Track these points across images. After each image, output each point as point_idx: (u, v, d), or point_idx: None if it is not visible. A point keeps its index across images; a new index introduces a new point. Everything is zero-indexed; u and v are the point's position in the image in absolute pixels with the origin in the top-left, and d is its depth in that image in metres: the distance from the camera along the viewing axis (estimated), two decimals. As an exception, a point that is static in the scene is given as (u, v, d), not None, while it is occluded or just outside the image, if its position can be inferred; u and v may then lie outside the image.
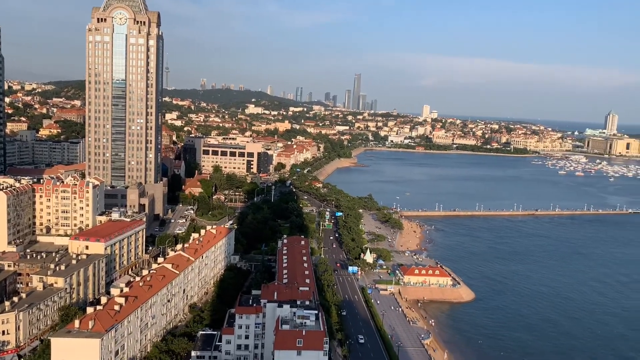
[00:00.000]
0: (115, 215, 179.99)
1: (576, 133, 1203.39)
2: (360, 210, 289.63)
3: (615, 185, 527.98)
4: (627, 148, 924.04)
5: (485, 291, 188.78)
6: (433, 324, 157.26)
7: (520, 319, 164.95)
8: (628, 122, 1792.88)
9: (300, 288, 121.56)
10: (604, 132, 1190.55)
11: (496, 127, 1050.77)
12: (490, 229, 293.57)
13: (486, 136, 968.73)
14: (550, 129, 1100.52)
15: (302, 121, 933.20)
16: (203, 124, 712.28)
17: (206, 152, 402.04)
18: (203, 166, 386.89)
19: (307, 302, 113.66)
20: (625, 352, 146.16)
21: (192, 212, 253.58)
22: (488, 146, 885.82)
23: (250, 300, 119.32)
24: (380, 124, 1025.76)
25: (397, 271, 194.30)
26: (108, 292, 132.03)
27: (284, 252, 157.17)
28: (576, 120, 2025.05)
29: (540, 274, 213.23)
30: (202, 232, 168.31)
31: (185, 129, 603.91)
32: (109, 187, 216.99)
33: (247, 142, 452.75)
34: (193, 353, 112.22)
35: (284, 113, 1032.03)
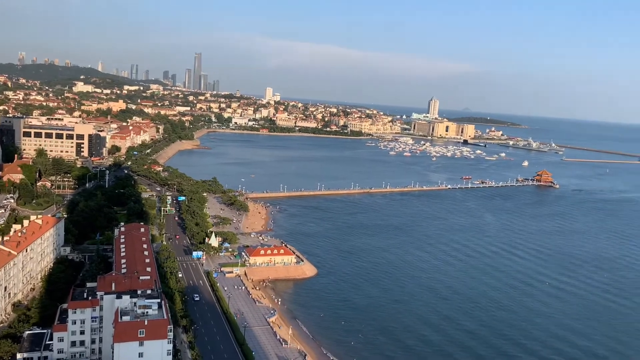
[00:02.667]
0: None
1: (404, 117, 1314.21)
2: (205, 194, 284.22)
3: (437, 164, 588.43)
4: (447, 130, 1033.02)
5: (327, 266, 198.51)
6: (279, 302, 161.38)
7: (358, 289, 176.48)
8: (448, 108, 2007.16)
9: (141, 277, 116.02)
10: (427, 116, 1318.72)
11: (335, 110, 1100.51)
12: (331, 207, 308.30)
13: (326, 119, 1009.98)
14: (382, 113, 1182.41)
15: (139, 101, 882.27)
16: (23, 102, 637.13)
17: (27, 134, 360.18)
18: (24, 150, 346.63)
19: (149, 291, 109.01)
20: (438, 304, 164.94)
21: (12, 201, 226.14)
22: (327, 129, 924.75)
23: (85, 294, 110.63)
24: (223, 105, 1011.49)
25: (243, 253, 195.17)
26: None
27: (122, 240, 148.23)
28: (405, 105, 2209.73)
29: (376, 246, 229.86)
30: (26, 222, 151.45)
31: (1, 107, 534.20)
32: None
33: (76, 123, 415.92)
34: (19, 355, 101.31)
35: (118, 92, 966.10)
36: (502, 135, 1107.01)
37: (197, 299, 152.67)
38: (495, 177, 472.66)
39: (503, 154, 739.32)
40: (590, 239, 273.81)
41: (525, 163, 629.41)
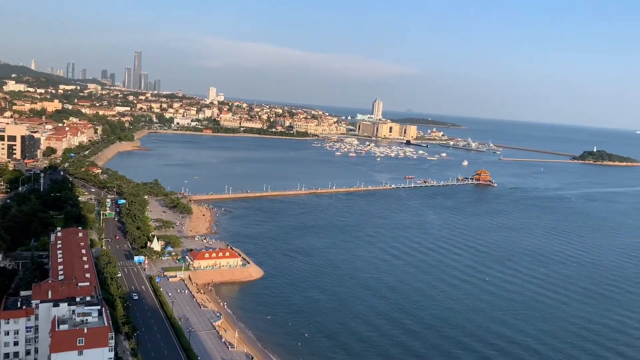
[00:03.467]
0: None
1: (349, 118, 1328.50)
2: (146, 197, 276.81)
3: (381, 164, 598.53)
4: (390, 131, 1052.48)
5: (274, 268, 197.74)
6: (225, 305, 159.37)
7: (304, 291, 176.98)
8: (391, 109, 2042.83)
9: (80, 284, 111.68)
10: (371, 117, 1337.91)
11: (280, 111, 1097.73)
12: (277, 208, 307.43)
13: (271, 120, 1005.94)
14: (327, 114, 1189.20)
15: (76, 101, 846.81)
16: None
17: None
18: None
19: (89, 298, 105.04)
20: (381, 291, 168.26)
21: None
22: (273, 129, 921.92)
23: (19, 303, 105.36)
24: (165, 105, 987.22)
25: (186, 257, 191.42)
26: None
27: (59, 246, 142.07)
28: (350, 106, 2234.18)
29: (323, 246, 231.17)
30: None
31: None
32: None
33: (7, 123, 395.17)
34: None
35: (53, 91, 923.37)
36: (443, 135, 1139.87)
37: (136, 297, 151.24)
38: (437, 177, 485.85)
39: (444, 154, 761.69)
40: (527, 235, 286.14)
41: (465, 163, 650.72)
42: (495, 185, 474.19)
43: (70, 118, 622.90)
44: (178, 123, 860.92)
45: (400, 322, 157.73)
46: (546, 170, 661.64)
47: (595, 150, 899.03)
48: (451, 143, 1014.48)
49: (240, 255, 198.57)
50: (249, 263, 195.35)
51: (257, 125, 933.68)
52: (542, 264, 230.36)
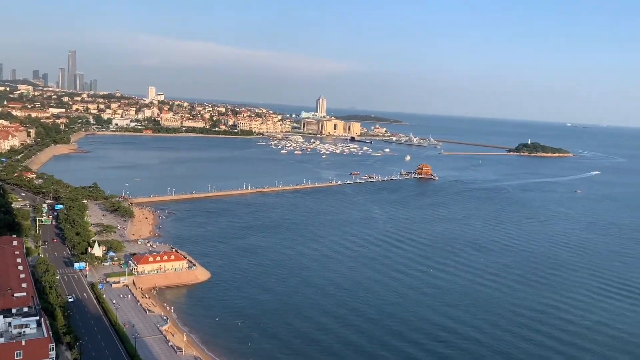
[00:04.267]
0: None
1: (294, 115, 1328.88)
2: (85, 201, 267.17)
3: (327, 161, 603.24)
4: (335, 128, 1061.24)
5: (220, 269, 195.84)
6: (171, 309, 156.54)
7: (251, 292, 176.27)
8: (335, 106, 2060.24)
9: (16, 294, 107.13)
10: (316, 115, 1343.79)
11: (223, 110, 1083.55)
12: (222, 208, 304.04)
13: (214, 119, 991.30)
14: (272, 112, 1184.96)
15: (5, 103, 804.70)
16: None
17: None
18: None
19: (26, 309, 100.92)
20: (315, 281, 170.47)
21: None
22: (216, 128, 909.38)
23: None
24: (102, 106, 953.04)
25: (130, 261, 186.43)
26: None
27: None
28: (294, 104, 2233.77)
29: (270, 246, 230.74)
30: None
31: None
32: None
33: None
34: None
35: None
36: (386, 132, 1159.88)
37: (72, 300, 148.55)
38: (381, 172, 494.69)
39: (387, 150, 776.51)
40: (467, 226, 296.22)
41: (408, 157, 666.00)
42: (437, 178, 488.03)
43: (1, 121, 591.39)
44: (116, 124, 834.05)
45: (345, 318, 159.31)
46: (484, 162, 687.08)
47: (529, 142, 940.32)
48: (394, 139, 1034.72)
49: (185, 258, 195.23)
50: (195, 265, 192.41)
51: (200, 124, 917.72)
52: (483, 254, 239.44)
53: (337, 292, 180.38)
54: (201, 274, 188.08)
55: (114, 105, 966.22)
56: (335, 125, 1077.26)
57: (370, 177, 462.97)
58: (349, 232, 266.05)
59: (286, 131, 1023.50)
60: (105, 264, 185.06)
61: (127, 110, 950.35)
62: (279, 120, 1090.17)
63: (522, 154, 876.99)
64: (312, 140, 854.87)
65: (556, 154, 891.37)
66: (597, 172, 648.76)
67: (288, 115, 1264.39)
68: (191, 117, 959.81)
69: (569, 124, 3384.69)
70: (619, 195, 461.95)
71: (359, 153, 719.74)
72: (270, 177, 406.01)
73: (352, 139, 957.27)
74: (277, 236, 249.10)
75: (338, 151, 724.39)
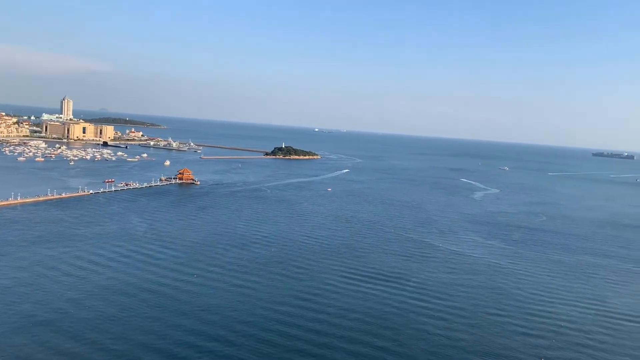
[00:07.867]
0: None
1: (33, 118, 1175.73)
2: None
3: (76, 168, 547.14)
4: (84, 132, 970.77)
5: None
6: None
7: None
8: (84, 108, 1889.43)
9: None
10: (60, 117, 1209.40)
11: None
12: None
13: None
14: (4, 114, 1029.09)
15: None
16: None
17: None
18: None
19: None
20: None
21: None
22: None
23: None
24: None
25: None
26: None
27: None
28: (34, 105, 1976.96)
29: (5, 271, 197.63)
30: None
31: None
32: None
33: None
34: None
35: None
36: (142, 136, 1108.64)
37: None
38: (139, 178, 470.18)
39: (145, 155, 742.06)
40: (229, 228, 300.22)
41: (167, 162, 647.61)
42: (199, 183, 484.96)
43: None
44: None
45: (85, 337, 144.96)
46: (244, 166, 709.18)
47: (283, 146, 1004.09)
48: (152, 143, 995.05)
49: None
50: None
51: None
52: (247, 251, 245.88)
53: (81, 313, 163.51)
54: None
55: None
56: (84, 128, 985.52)
57: (127, 184, 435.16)
58: (103, 246, 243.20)
59: (24, 135, 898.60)
60: None
61: None
62: (15, 123, 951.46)
63: (278, 157, 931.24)
64: (58, 145, 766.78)
65: (307, 157, 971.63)
66: (347, 170, 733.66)
67: (26, 118, 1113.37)
68: None
69: (316, 129, 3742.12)
70: (358, 191, 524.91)
71: (114, 159, 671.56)
72: (5, 189, 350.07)
73: (105, 144, 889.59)
74: (16, 260, 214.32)
75: (89, 157, 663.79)
